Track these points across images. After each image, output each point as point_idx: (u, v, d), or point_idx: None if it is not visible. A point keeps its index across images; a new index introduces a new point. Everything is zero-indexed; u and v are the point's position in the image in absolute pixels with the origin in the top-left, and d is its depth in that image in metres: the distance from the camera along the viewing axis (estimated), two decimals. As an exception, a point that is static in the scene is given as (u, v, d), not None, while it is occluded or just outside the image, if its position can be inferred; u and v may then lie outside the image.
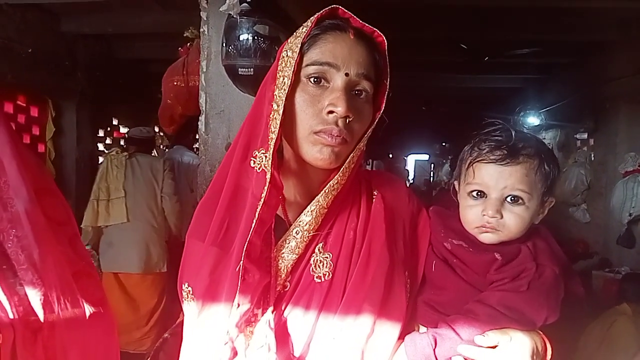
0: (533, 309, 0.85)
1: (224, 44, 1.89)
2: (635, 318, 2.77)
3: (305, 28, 0.86)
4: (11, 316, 1.06)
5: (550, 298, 0.87)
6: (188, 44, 2.69)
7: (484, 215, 0.91)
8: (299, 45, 0.84)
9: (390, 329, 0.86)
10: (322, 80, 0.84)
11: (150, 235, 3.42)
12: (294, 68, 0.83)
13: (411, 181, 14.97)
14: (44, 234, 1.16)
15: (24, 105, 4.69)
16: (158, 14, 4.19)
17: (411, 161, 17.18)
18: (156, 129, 5.72)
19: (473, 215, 0.93)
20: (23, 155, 1.19)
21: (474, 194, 0.94)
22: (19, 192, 1.15)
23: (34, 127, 4.86)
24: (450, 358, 0.83)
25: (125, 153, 3.56)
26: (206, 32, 2.19)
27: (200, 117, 2.22)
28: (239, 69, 1.85)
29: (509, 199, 0.91)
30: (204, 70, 2.19)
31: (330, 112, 0.82)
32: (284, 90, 0.83)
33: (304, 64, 0.85)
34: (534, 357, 0.81)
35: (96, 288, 1.27)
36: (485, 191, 0.92)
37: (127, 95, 5.79)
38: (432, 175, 15.28)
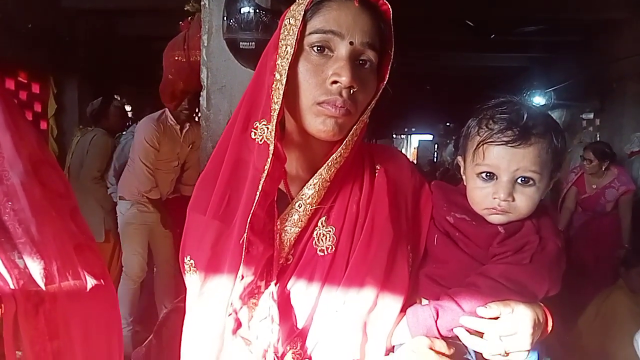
0: (535, 281, 0.85)
1: (225, 18, 1.85)
2: (630, 291, 2.81)
3: None
4: (12, 287, 1.06)
5: (553, 271, 0.86)
6: (189, 17, 2.65)
7: (495, 198, 0.89)
8: (302, 13, 0.81)
9: (392, 302, 0.86)
10: (326, 49, 0.82)
11: (83, 209, 3.52)
12: (297, 36, 0.80)
13: (415, 161, 14.95)
14: (41, 207, 1.15)
15: (25, 81, 4.68)
16: (159, -12, 4.13)
17: (415, 141, 17.12)
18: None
19: (483, 197, 0.91)
20: (20, 127, 1.17)
21: (484, 175, 0.91)
22: (15, 165, 1.13)
23: (35, 104, 4.86)
24: (452, 329, 0.83)
25: (81, 131, 3.79)
26: (207, 6, 2.14)
27: (201, 93, 2.19)
28: (240, 43, 1.82)
29: (519, 180, 0.88)
30: (205, 44, 2.15)
31: (334, 82, 0.80)
32: (287, 59, 0.80)
33: (307, 32, 0.82)
34: (535, 329, 0.81)
35: (97, 261, 1.27)
36: (495, 173, 0.89)
37: (128, 71, 5.75)
38: (435, 155, 15.22)
